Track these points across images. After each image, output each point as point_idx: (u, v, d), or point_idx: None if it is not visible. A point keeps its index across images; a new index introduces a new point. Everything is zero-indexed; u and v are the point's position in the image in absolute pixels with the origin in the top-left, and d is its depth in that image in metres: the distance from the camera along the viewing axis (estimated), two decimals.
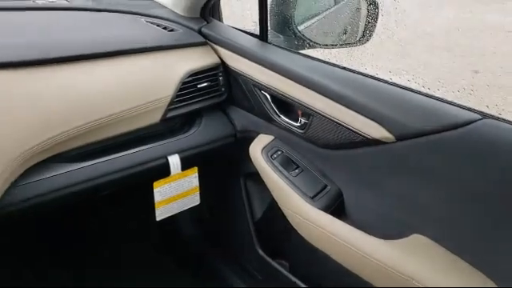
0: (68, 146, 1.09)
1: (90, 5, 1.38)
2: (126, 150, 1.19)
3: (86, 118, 1.08)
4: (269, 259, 1.39)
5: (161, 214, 1.29)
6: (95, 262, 1.59)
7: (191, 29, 1.37)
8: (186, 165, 1.27)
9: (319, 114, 1.12)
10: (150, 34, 1.31)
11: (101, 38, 1.21)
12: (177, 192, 1.30)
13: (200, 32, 1.37)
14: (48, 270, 1.49)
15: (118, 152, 1.17)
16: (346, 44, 1.35)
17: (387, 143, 1.01)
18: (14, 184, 1.00)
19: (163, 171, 1.25)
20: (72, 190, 1.10)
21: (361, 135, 1.04)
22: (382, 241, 1.00)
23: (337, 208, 1.15)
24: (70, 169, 1.10)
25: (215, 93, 1.34)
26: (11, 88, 0.99)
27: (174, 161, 1.24)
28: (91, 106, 1.09)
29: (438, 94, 0.99)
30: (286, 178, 1.19)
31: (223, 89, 1.35)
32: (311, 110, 1.13)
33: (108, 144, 1.17)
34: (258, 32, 1.32)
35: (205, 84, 1.31)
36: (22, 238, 1.41)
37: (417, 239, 0.98)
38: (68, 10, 1.35)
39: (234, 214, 1.48)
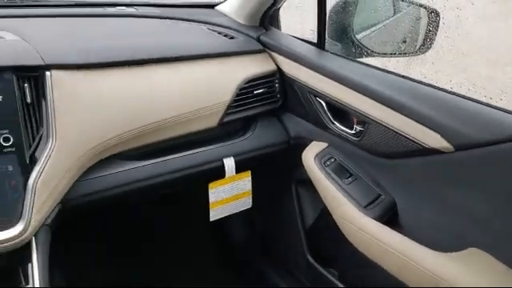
0: (130, 145, 1.15)
1: (156, 12, 1.45)
2: (185, 151, 1.23)
3: (148, 118, 1.13)
4: (318, 267, 1.38)
5: (215, 214, 1.32)
6: (147, 259, 1.64)
7: (250, 37, 1.41)
8: (240, 168, 1.31)
9: (375, 121, 1.11)
10: (212, 41, 1.36)
11: (165, 43, 1.27)
12: (230, 194, 1.33)
13: (259, 40, 1.40)
14: (94, 266, 1.55)
15: (176, 153, 1.22)
16: (405, 53, 1.34)
17: (445, 153, 0.99)
18: (79, 179, 1.07)
19: (218, 173, 1.28)
20: (132, 187, 1.15)
21: (418, 144, 1.03)
22: (437, 253, 0.97)
23: (390, 218, 1.13)
24: (131, 167, 1.16)
25: (271, 99, 1.37)
26: (81, 89, 1.06)
27: (229, 163, 1.28)
28: (154, 107, 1.14)
29: (500, 105, 0.96)
30: (339, 185, 1.19)
31: (279, 95, 1.38)
32: (367, 117, 1.13)
33: (168, 145, 1.22)
34: (315, 40, 1.34)
35: (261, 90, 1.34)
36: (81, 232, 1.48)
37: (473, 253, 0.95)
38: (136, 17, 1.42)
39: (284, 220, 1.49)
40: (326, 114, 1.26)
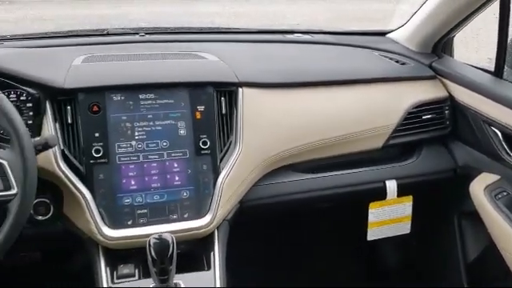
0: (300, 158, 1.25)
1: (330, 39, 1.56)
2: (348, 169, 1.30)
3: (321, 135, 1.22)
4: None
5: (372, 234, 1.35)
6: (297, 266, 1.72)
7: (422, 63, 1.42)
8: (401, 192, 1.32)
9: None
10: (383, 66, 1.41)
11: (340, 67, 1.36)
12: (390, 216, 1.35)
13: (431, 66, 1.41)
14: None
15: (340, 170, 1.29)
16: None
17: None
18: (256, 183, 1.20)
19: (379, 194, 1.31)
20: (298, 196, 1.26)
21: None
22: None
23: None
24: (299, 178, 1.26)
25: (439, 125, 1.36)
26: (266, 104, 1.20)
27: (391, 186, 1.30)
28: (327, 125, 1.23)
29: None
30: (511, 221, 1.13)
31: (448, 122, 1.36)
32: None
33: (333, 161, 1.29)
34: (491, 68, 1.30)
35: (430, 116, 1.34)
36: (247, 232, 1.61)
37: None
38: (312, 43, 1.55)
39: (443, 251, 1.44)
40: (501, 145, 1.21)
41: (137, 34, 1.47)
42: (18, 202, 0.84)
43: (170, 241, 0.90)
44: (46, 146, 0.93)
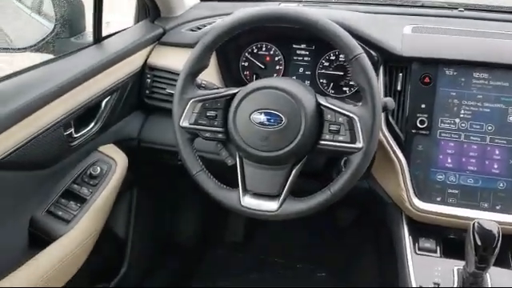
0: None
1: None
2: None
3: None
4: None
5: None
6: None
7: None
8: None
9: None
10: None
11: None
12: None
13: None
14: None
15: None
16: None
17: None
18: None
19: None
20: None
21: None
22: None
23: None
24: None
25: None
26: None
27: None
28: None
29: None
30: None
31: None
32: None
33: None
34: None
35: None
36: None
37: None
38: None
39: None
40: None
41: (455, 8, 1.40)
42: (361, 156, 0.89)
43: (496, 230, 0.85)
44: (384, 109, 0.97)
